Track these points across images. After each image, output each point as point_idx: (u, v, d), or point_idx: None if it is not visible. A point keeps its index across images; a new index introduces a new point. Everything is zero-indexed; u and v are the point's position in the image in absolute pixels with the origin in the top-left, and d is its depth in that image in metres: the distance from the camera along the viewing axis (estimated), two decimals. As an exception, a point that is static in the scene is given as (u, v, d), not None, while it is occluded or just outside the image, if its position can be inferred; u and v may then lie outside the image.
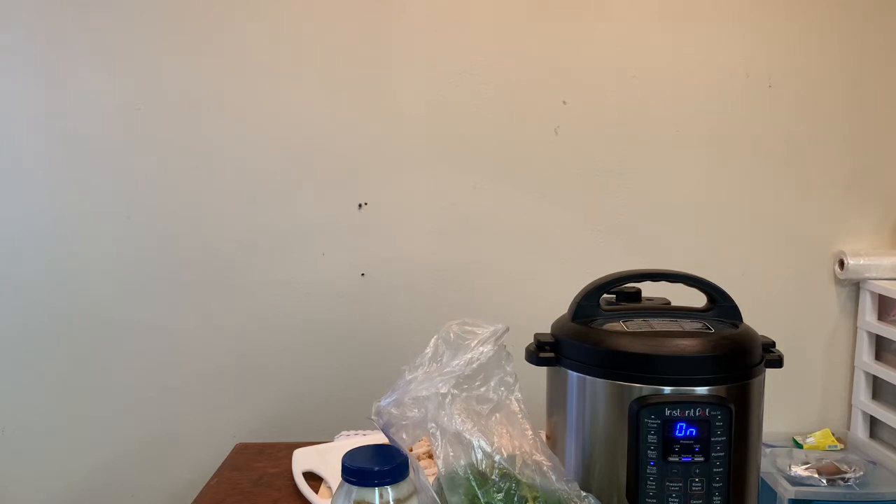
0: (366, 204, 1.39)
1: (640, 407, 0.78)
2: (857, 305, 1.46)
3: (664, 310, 0.90)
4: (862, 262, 1.41)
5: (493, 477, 0.76)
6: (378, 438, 0.85)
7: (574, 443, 0.85)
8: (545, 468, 0.78)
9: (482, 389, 0.79)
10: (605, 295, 0.90)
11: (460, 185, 1.39)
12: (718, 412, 0.78)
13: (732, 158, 1.42)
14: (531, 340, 0.89)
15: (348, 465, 0.70)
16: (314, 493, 1.00)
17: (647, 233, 1.42)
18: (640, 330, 0.83)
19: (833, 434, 1.42)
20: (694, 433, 0.78)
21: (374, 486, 0.69)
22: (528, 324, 0.92)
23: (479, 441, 0.77)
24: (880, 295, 1.41)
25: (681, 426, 0.77)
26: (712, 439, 0.78)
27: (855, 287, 1.46)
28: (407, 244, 1.40)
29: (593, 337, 0.83)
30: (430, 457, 0.88)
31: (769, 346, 0.87)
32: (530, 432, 0.80)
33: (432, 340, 0.80)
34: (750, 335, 0.85)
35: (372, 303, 1.41)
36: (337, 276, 1.40)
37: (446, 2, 1.35)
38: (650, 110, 1.40)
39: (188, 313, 1.40)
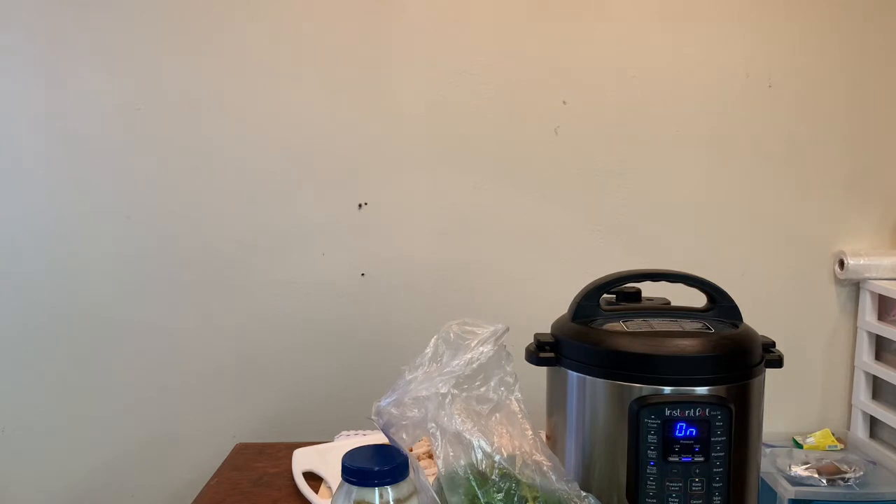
0: (366, 204, 1.39)
1: (640, 407, 0.78)
2: (857, 305, 1.46)
3: (664, 310, 0.90)
4: (862, 262, 1.41)
5: (493, 477, 0.76)
6: (378, 438, 0.85)
7: (574, 443, 0.85)
8: (545, 468, 0.78)
9: (482, 389, 0.79)
10: (605, 295, 0.90)
11: (460, 185, 1.39)
12: (718, 412, 0.78)
13: (732, 158, 1.42)
14: (531, 340, 0.89)
15: (348, 465, 0.70)
16: (314, 493, 1.00)
17: (647, 233, 1.42)
18: (640, 330, 0.83)
19: (833, 434, 1.42)
20: (694, 433, 0.78)
21: (374, 486, 0.69)
22: (528, 324, 0.92)
23: (479, 441, 0.77)
24: (880, 295, 1.41)
25: (681, 426, 0.77)
26: (712, 439, 0.78)
27: (855, 287, 1.46)
28: (407, 244, 1.40)
29: (593, 337, 0.83)
30: (430, 457, 0.88)
31: (769, 346, 0.87)
32: (530, 432, 0.80)
33: (432, 340, 0.80)
34: (750, 335, 0.85)
35: (372, 303, 1.41)
36: (337, 276, 1.40)
37: (446, 2, 1.35)
38: (650, 110, 1.40)
39: (188, 313, 1.40)
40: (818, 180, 1.44)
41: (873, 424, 1.46)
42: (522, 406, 0.81)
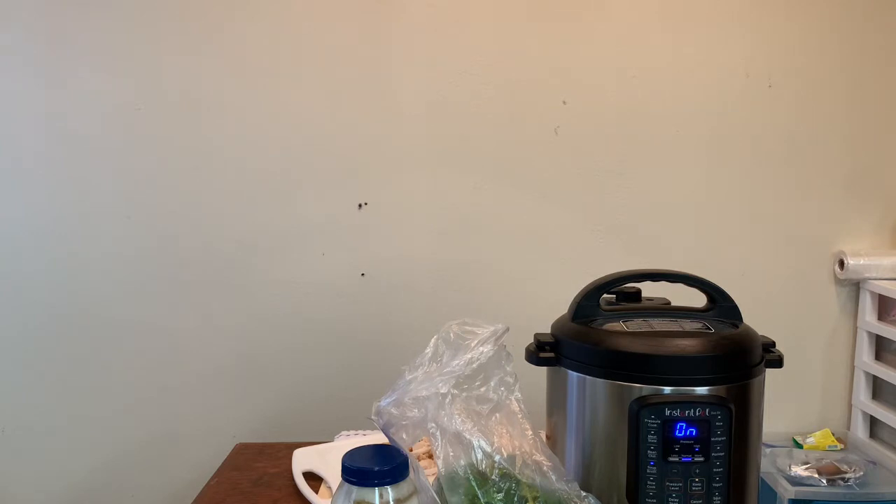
0: (366, 204, 1.39)
1: (640, 407, 0.78)
2: (857, 305, 1.46)
3: (664, 310, 0.90)
4: (862, 262, 1.41)
5: (493, 477, 0.76)
6: (378, 438, 0.85)
7: (574, 443, 0.85)
8: (545, 468, 0.78)
9: (482, 389, 0.79)
10: (605, 295, 0.90)
11: (460, 185, 1.39)
12: (718, 412, 0.78)
13: (732, 158, 1.42)
14: (531, 340, 0.89)
15: (348, 465, 0.70)
16: (314, 493, 1.00)
17: (647, 233, 1.42)
18: (640, 330, 0.83)
19: (833, 434, 1.42)
20: (694, 433, 0.78)
21: (374, 486, 0.69)
22: (528, 324, 0.92)
23: (479, 441, 0.77)
24: (880, 295, 1.41)
25: (681, 426, 0.77)
26: (712, 439, 0.78)
27: (855, 287, 1.46)
28: (407, 244, 1.40)
29: (593, 337, 0.83)
30: (430, 457, 0.88)
31: (769, 346, 0.87)
32: (530, 432, 0.80)
33: (432, 340, 0.80)
34: (750, 335, 0.85)
35: (372, 303, 1.41)
36: (337, 276, 1.40)
37: (446, 2, 1.35)
38: (650, 110, 1.40)
39: (188, 313, 1.40)
40: (818, 180, 1.44)
41: (873, 424, 1.46)
42: (522, 406, 0.81)
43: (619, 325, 0.85)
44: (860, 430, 1.46)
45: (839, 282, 1.46)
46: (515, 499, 0.75)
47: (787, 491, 1.24)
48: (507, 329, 0.82)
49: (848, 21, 1.40)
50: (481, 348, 0.78)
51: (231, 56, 1.35)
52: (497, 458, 0.77)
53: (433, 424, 0.75)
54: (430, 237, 1.40)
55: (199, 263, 1.39)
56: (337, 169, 1.38)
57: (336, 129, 1.37)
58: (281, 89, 1.36)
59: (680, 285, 0.88)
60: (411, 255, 1.41)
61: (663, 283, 0.88)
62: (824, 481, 1.25)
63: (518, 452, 0.78)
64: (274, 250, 1.39)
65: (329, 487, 1.02)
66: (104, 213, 1.37)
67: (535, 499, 0.75)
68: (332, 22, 1.35)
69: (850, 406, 1.49)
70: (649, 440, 0.78)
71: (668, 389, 0.78)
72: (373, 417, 0.75)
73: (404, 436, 0.74)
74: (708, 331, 0.84)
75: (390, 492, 0.70)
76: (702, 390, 0.79)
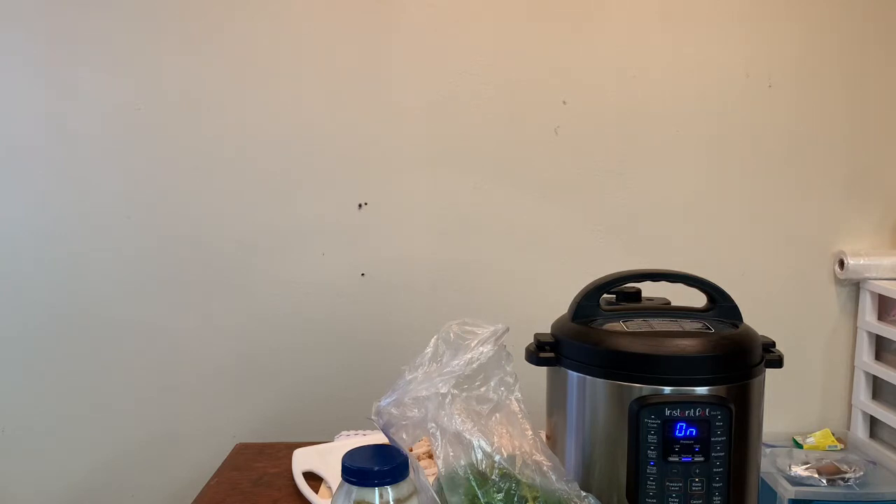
0: (366, 204, 1.39)
1: (640, 407, 0.78)
2: (857, 305, 1.46)
3: (664, 310, 0.90)
4: (862, 262, 1.41)
5: (493, 477, 0.76)
6: (378, 438, 0.85)
7: (574, 443, 0.85)
8: (545, 468, 0.78)
9: (482, 389, 0.79)
10: (605, 295, 0.90)
11: (460, 185, 1.39)
12: (718, 412, 0.78)
13: (732, 158, 1.42)
14: (531, 340, 0.89)
15: (348, 465, 0.70)
16: (314, 493, 1.00)
17: (647, 233, 1.42)
18: (640, 330, 0.83)
19: (833, 434, 1.42)
20: (694, 433, 0.78)
21: (374, 486, 0.69)
22: (528, 324, 0.92)
23: (479, 441, 0.77)
24: (880, 295, 1.41)
25: (681, 426, 0.77)
26: (712, 439, 0.78)
27: (855, 287, 1.46)
28: (407, 244, 1.40)
29: (593, 337, 0.83)
30: (430, 457, 0.88)
31: (769, 346, 0.87)
32: (530, 432, 0.80)
33: (432, 340, 0.80)
34: (750, 335, 0.85)
35: (372, 303, 1.41)
36: (337, 276, 1.40)
37: (446, 2, 1.35)
38: (650, 110, 1.40)
39: (188, 313, 1.40)
40: (818, 180, 1.44)
41: (873, 424, 1.46)
42: (522, 406, 0.81)
43: (619, 325, 0.85)
44: (860, 430, 1.46)
45: (839, 282, 1.46)
46: (515, 499, 0.75)
47: (787, 491, 1.24)
48: (507, 329, 0.82)
49: (848, 21, 1.40)
50: (481, 348, 0.78)
51: (231, 56, 1.35)
52: (497, 458, 0.77)
53: (433, 424, 0.75)
54: (430, 237, 1.40)
55: (199, 263, 1.39)
56: (337, 169, 1.38)
57: (336, 129, 1.37)
58: (281, 89, 1.36)
59: (680, 285, 0.88)
60: (411, 255, 1.41)
61: (663, 283, 0.88)
62: (824, 481, 1.25)
63: (518, 452, 0.78)
64: (274, 250, 1.39)
65: (329, 487, 1.02)
66: (104, 213, 1.37)
67: (535, 499, 0.75)
68: (332, 22, 1.35)
69: (850, 406, 1.49)
70: (649, 440, 0.78)
71: (668, 389, 0.78)
72: (373, 417, 0.75)
73: (404, 436, 0.74)
74: (708, 331, 0.84)
75: (390, 492, 0.70)
76: (702, 390, 0.79)
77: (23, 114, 1.35)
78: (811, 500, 1.23)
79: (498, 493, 0.75)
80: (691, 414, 0.77)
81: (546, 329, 0.90)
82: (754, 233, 1.44)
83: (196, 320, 1.40)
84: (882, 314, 1.42)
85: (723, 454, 0.78)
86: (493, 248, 1.41)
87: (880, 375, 1.41)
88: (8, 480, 1.41)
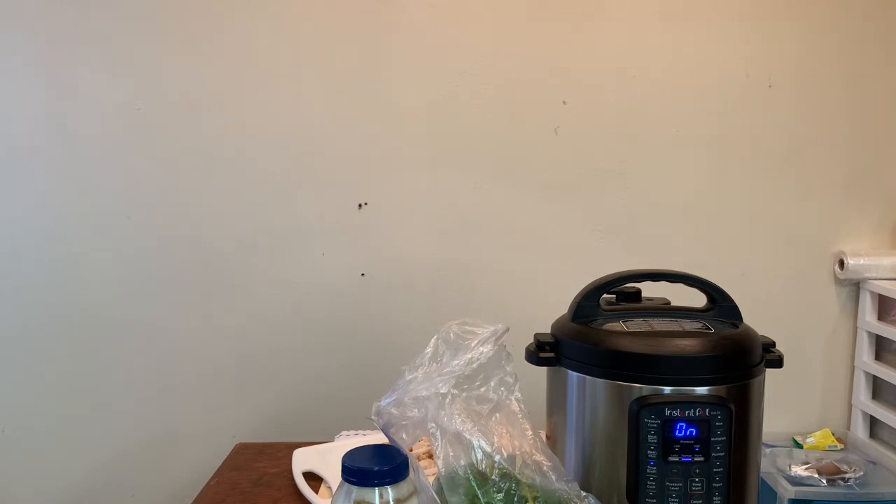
0: (366, 204, 1.39)
1: (640, 407, 0.78)
2: (857, 305, 1.46)
3: (664, 310, 0.90)
4: (862, 262, 1.41)
5: (493, 477, 0.76)
6: (378, 438, 0.85)
7: (574, 443, 0.85)
8: (545, 468, 0.78)
9: (482, 389, 0.79)
10: (605, 295, 0.90)
11: (460, 185, 1.39)
12: (718, 412, 0.78)
13: (732, 158, 1.42)
14: (531, 340, 0.89)
15: (348, 465, 0.70)
16: (314, 493, 1.00)
17: (647, 233, 1.42)
18: (640, 330, 0.83)
19: (833, 434, 1.42)
20: (694, 433, 0.78)
21: (374, 486, 0.69)
22: (528, 324, 0.92)
23: (479, 441, 0.77)
24: (880, 295, 1.41)
25: (681, 426, 0.77)
26: (712, 439, 0.78)
27: (855, 287, 1.46)
28: (407, 244, 1.40)
29: (593, 337, 0.83)
30: (430, 457, 0.88)
31: (769, 346, 0.87)
32: (530, 432, 0.80)
33: (432, 340, 0.80)
34: (750, 335, 0.85)
35: (372, 303, 1.41)
36: (337, 276, 1.40)
37: (446, 2, 1.35)
38: (650, 110, 1.40)
39: (188, 313, 1.40)
40: (818, 180, 1.44)
41: (873, 424, 1.46)
42: (522, 406, 0.81)
43: (619, 325, 0.85)
44: (860, 430, 1.46)
45: (839, 282, 1.46)
46: (515, 499, 0.75)
47: (787, 491, 1.24)
48: (507, 329, 0.82)
49: (848, 21, 1.40)
50: (481, 348, 0.78)
51: (231, 56, 1.35)
52: (497, 458, 0.77)
53: (433, 424, 0.75)
54: (430, 237, 1.40)
55: (199, 263, 1.39)
56: (337, 169, 1.38)
57: (336, 129, 1.37)
58: (281, 89, 1.36)
59: (680, 285, 0.88)
60: (411, 255, 1.41)
61: (663, 283, 0.88)
62: (824, 481, 1.25)
63: (518, 452, 0.78)
64: (274, 250, 1.39)
65: (329, 487, 1.02)
66: (104, 213, 1.37)
67: (535, 499, 0.76)
68: (332, 22, 1.35)
69: (850, 406, 1.49)
70: (649, 440, 0.78)
71: (668, 389, 0.78)
72: (373, 417, 0.75)
73: (404, 436, 0.74)
74: (708, 331, 0.84)
75: (390, 492, 0.70)
76: (702, 390, 0.79)
77: (23, 114, 1.35)
78: (811, 500, 1.23)
79: (498, 493, 0.75)
80: (691, 414, 0.77)
81: (546, 329, 0.90)
82: (754, 233, 1.44)
83: (196, 320, 1.40)
84: (882, 314, 1.42)
85: (723, 454, 0.78)
86: (493, 248, 1.41)
87: (880, 375, 1.41)
88: (8, 480, 1.41)
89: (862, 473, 1.27)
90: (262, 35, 1.35)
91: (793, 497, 1.23)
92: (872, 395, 1.46)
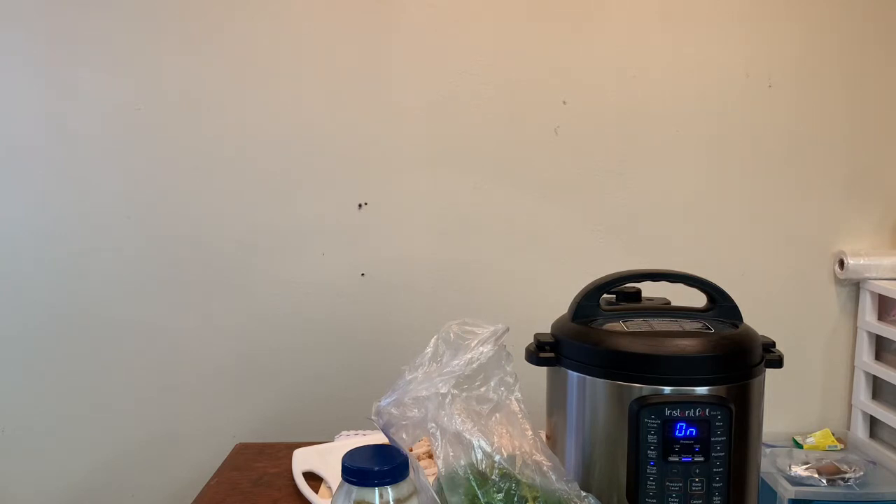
0: (366, 204, 1.39)
1: (640, 407, 0.78)
2: (857, 305, 1.46)
3: (664, 310, 0.90)
4: (862, 262, 1.41)
5: (493, 477, 0.76)
6: (378, 438, 0.85)
7: (574, 443, 0.85)
8: (545, 468, 0.78)
9: (482, 389, 0.79)
10: (605, 295, 0.90)
11: (460, 185, 1.39)
12: (718, 412, 0.78)
13: (732, 158, 1.42)
14: (531, 340, 0.89)
15: (348, 465, 0.70)
16: (314, 493, 1.00)
17: (647, 233, 1.42)
18: (640, 330, 0.83)
19: (833, 434, 1.42)
20: (694, 433, 0.78)
21: (374, 486, 0.69)
22: (528, 324, 0.92)
23: (479, 441, 0.77)
24: (880, 295, 1.41)
25: (681, 426, 0.77)
26: (712, 439, 0.78)
27: (855, 287, 1.46)
28: (407, 244, 1.40)
29: (593, 337, 0.83)
30: (430, 457, 0.88)
31: (769, 346, 0.87)
32: (530, 432, 0.80)
33: (432, 340, 0.80)
34: (750, 335, 0.85)
35: (372, 303, 1.41)
36: (337, 276, 1.40)
37: (446, 2, 1.35)
38: (650, 110, 1.40)
39: (188, 313, 1.40)
40: (818, 180, 1.44)
41: (873, 424, 1.46)
42: (522, 406, 0.81)
43: (619, 325, 0.85)
44: (860, 430, 1.46)
45: (839, 282, 1.46)
46: (515, 499, 0.75)
47: (787, 491, 1.24)
48: (507, 329, 0.82)
49: (848, 21, 1.40)
50: (481, 348, 0.78)
51: (231, 56, 1.35)
52: (497, 458, 0.77)
53: (433, 424, 0.75)
54: (430, 237, 1.40)
55: (199, 263, 1.39)
56: (337, 169, 1.38)
57: (336, 129, 1.37)
58: (281, 89, 1.36)
59: (680, 285, 0.88)
60: (411, 255, 1.41)
61: (663, 283, 0.88)
62: (824, 481, 1.25)
63: (518, 452, 0.78)
64: (274, 250, 1.39)
65: (329, 487, 1.02)
66: (104, 213, 1.37)
67: (535, 499, 0.76)
68: (332, 22, 1.35)
69: (850, 406, 1.49)
70: (649, 440, 0.78)
71: (668, 389, 0.78)
72: (373, 417, 0.75)
73: (404, 436, 0.74)
74: (708, 331, 0.84)
75: (390, 492, 0.70)
76: (702, 390, 0.79)
77: (23, 114, 1.35)
78: (811, 500, 1.23)
79: (498, 493, 0.75)
80: (691, 414, 0.77)
81: (546, 329, 0.90)
82: (754, 233, 1.44)
83: (196, 320, 1.40)
84: (882, 314, 1.42)
85: (723, 454, 0.78)
86: (493, 248, 1.41)
87: (880, 375, 1.41)
88: (8, 480, 1.41)
89: (862, 473, 1.27)
90: (262, 35, 1.35)
91: (793, 497, 1.23)
92: (872, 395, 1.46)
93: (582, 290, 0.89)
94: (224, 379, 1.42)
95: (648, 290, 0.92)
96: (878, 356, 1.44)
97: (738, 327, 0.86)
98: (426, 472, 0.77)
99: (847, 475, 1.26)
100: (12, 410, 1.40)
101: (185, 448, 1.42)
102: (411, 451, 0.78)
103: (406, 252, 1.40)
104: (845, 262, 1.42)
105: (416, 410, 0.74)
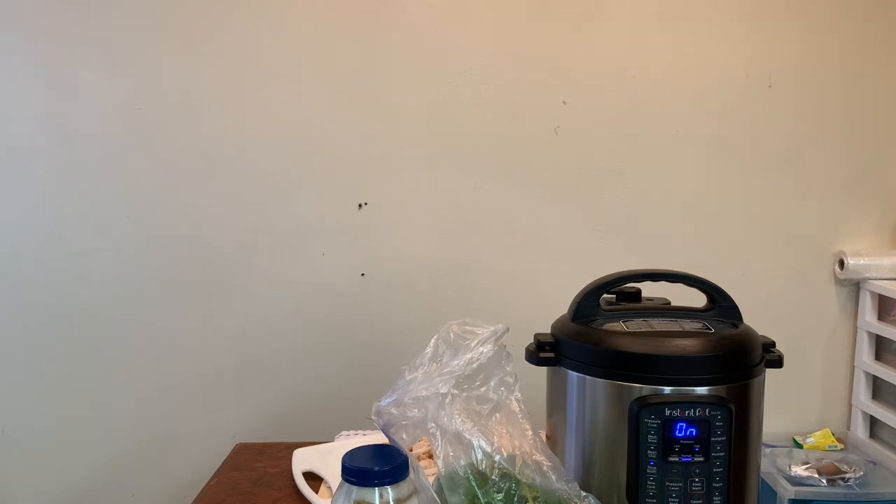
0: (366, 204, 1.39)
1: (640, 407, 0.78)
2: (857, 305, 1.46)
3: (664, 310, 0.90)
4: (862, 262, 1.41)
5: (493, 477, 0.76)
6: (378, 438, 0.85)
7: (574, 443, 0.85)
8: (545, 468, 0.78)
9: (482, 389, 0.79)
10: (605, 295, 0.90)
11: (460, 185, 1.39)
12: (718, 412, 0.78)
13: (732, 158, 1.42)
14: (531, 340, 0.89)
15: (348, 465, 0.70)
16: (314, 493, 1.00)
17: (647, 233, 1.42)
18: (640, 330, 0.83)
19: (833, 434, 1.42)
20: (694, 433, 0.78)
21: (374, 486, 0.69)
22: (528, 324, 0.92)
23: (479, 441, 0.77)
24: (880, 295, 1.41)
25: (681, 426, 0.77)
26: (712, 439, 0.78)
27: (855, 287, 1.46)
28: (407, 244, 1.40)
29: (593, 337, 0.83)
30: (430, 457, 0.88)
31: (769, 346, 0.87)
32: (530, 432, 0.80)
33: (432, 340, 0.80)
34: (750, 335, 0.85)
35: (372, 303, 1.41)
36: (337, 276, 1.40)
37: (446, 2, 1.35)
38: (650, 110, 1.40)
39: (188, 313, 1.40)
40: (818, 180, 1.44)
41: (873, 424, 1.46)
42: (522, 406, 0.81)
43: (619, 325, 0.85)
44: (860, 430, 1.46)
45: (839, 282, 1.46)
46: (515, 499, 0.75)
47: (787, 491, 1.24)
48: (507, 329, 0.82)
49: (848, 21, 1.40)
50: (481, 348, 0.78)
51: (231, 56, 1.35)
52: (497, 458, 0.77)
53: (433, 424, 0.75)
54: (430, 237, 1.40)
55: (199, 263, 1.39)
56: (337, 169, 1.38)
57: (336, 129, 1.37)
58: (281, 89, 1.36)
59: (680, 285, 0.88)
60: (411, 255, 1.41)
61: (663, 283, 0.88)
62: (824, 481, 1.25)
63: (518, 452, 0.78)
64: (274, 250, 1.39)
65: (329, 487, 1.02)
66: (104, 213, 1.37)
67: (535, 499, 0.76)
68: (332, 22, 1.35)
69: (850, 406, 1.49)
70: (649, 440, 0.78)
71: (668, 389, 0.78)
72: (373, 417, 0.75)
73: (404, 436, 0.74)
74: (708, 331, 0.84)
75: (390, 492, 0.70)
76: (702, 390, 0.79)
77: (23, 114, 1.35)
78: (811, 500, 1.23)
79: (498, 493, 0.75)
80: (691, 414, 0.77)
81: (546, 329, 0.90)
82: (754, 233, 1.44)
83: (196, 320, 1.40)
84: (882, 314, 1.42)
85: (723, 454, 0.78)
86: (493, 248, 1.41)
87: (880, 375, 1.41)
88: (8, 480, 1.41)
89: (862, 473, 1.27)
90: (262, 35, 1.35)
91: (793, 497, 1.23)
92: (872, 395, 1.46)
93: (582, 290, 0.89)
94: (224, 379, 1.42)
95: (648, 290, 0.92)
96: (878, 356, 1.44)
97: (737, 327, 0.86)
98: (426, 472, 0.77)
99: (847, 475, 1.26)
100: (12, 410, 1.40)
101: (185, 448, 1.42)
102: (411, 451, 0.78)
103: (406, 252, 1.40)
104: (845, 262, 1.42)
105: (416, 410, 0.74)
